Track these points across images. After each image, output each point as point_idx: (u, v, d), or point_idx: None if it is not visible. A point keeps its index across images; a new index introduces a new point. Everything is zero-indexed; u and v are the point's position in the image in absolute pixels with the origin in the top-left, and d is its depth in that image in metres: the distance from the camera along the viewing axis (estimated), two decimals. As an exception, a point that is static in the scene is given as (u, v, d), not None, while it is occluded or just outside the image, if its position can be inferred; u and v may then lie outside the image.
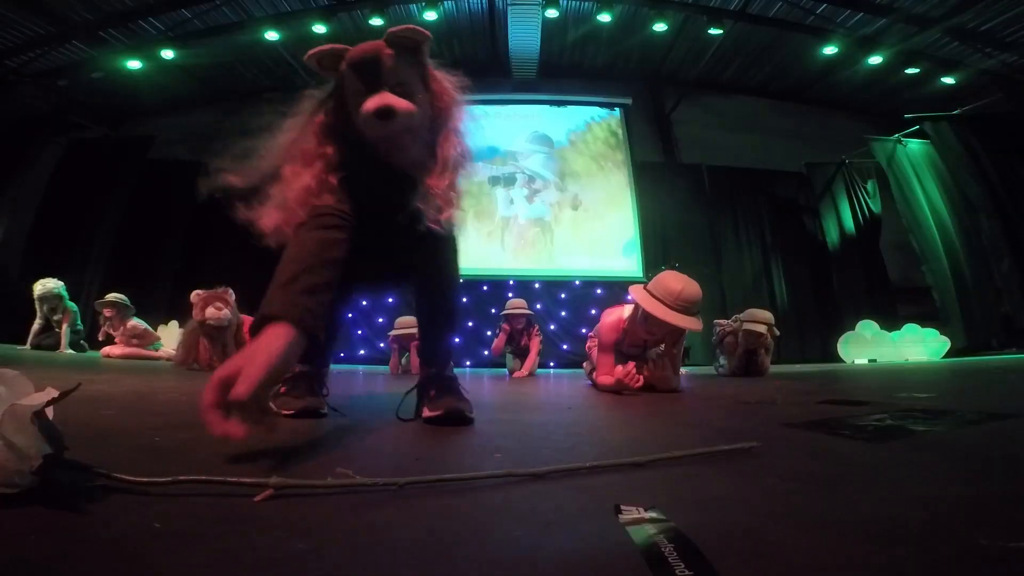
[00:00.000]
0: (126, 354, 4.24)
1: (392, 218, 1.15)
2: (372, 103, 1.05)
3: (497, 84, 7.94)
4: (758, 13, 6.66)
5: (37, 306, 4.79)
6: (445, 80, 1.19)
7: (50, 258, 6.56)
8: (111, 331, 4.43)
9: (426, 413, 1.18)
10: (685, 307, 2.04)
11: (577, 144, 7.91)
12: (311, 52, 1.12)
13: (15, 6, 5.89)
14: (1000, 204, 6.05)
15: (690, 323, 2.05)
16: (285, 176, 1.12)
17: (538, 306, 6.34)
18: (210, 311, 3.22)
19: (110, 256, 7.02)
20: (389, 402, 1.50)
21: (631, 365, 2.19)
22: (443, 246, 1.24)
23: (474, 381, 3.33)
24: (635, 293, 2.17)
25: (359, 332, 6.65)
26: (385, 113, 1.05)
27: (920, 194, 6.71)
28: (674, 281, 2.08)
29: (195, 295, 3.35)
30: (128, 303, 4.43)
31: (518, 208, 7.51)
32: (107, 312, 4.37)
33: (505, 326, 4.27)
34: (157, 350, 4.48)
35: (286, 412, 1.19)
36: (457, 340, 6.46)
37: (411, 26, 1.08)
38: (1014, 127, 6.19)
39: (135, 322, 4.41)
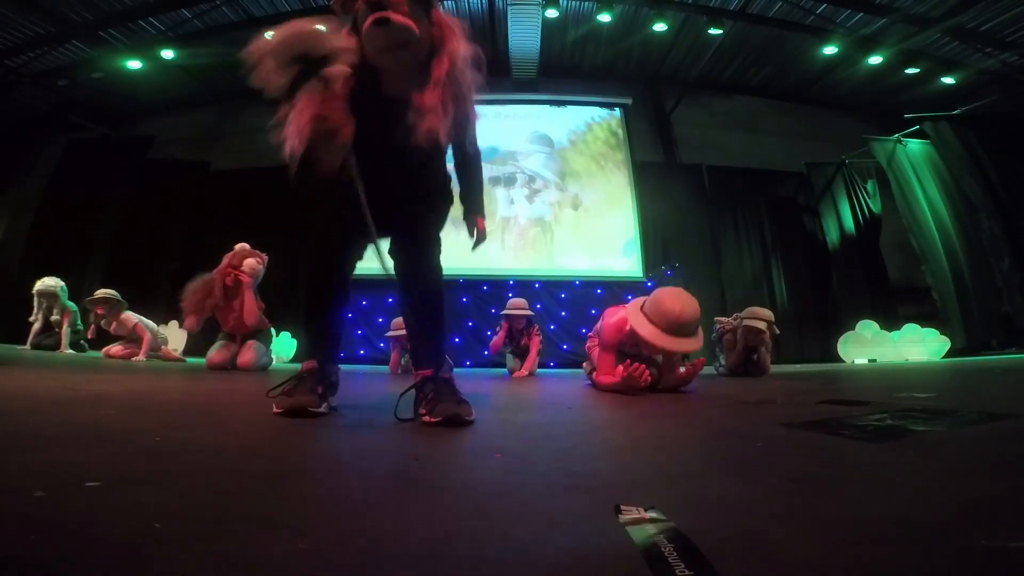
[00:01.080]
0: (127, 355, 4.23)
1: (390, 141, 1.28)
2: (374, 16, 1.19)
3: (497, 84, 7.94)
4: (758, 13, 6.65)
5: (35, 303, 4.79)
6: (446, 16, 1.35)
7: (50, 258, 6.55)
8: (106, 328, 4.42)
9: (425, 419, 1.18)
10: (680, 329, 1.96)
11: (577, 144, 7.91)
12: None
13: (15, 6, 5.89)
14: (1000, 204, 6.04)
15: (684, 346, 1.98)
16: (300, 102, 1.18)
17: (538, 306, 6.33)
18: (250, 261, 3.56)
19: (110, 256, 7.01)
20: (389, 401, 1.50)
21: (640, 366, 2.14)
22: (429, 209, 1.42)
23: (474, 381, 3.33)
24: (631, 315, 2.08)
25: (359, 332, 6.66)
26: (382, 20, 1.18)
27: (920, 194, 6.70)
28: (670, 302, 2.00)
29: (240, 246, 3.63)
30: (119, 298, 4.42)
31: (518, 208, 7.50)
32: (99, 310, 4.36)
33: (504, 324, 4.31)
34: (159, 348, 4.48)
35: (276, 410, 1.21)
36: (457, 340, 6.50)
37: None
38: (1014, 127, 6.18)
39: (127, 315, 4.41)
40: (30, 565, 0.38)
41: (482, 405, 1.72)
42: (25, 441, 0.84)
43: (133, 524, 0.47)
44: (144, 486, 0.59)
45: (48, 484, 0.57)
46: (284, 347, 6.36)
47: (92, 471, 0.63)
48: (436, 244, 1.42)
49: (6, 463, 0.69)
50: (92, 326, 4.55)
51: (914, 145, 6.86)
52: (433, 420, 1.15)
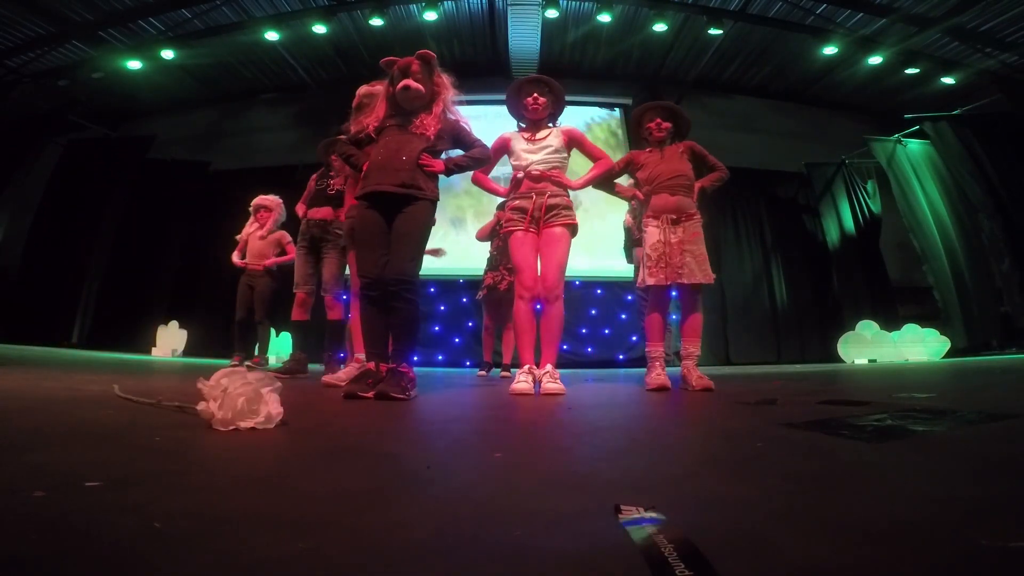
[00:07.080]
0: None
1: (405, 132, 2.09)
2: (400, 83, 2.11)
3: (497, 84, 7.92)
4: (758, 13, 6.65)
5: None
6: (442, 75, 2.20)
7: (50, 258, 6.56)
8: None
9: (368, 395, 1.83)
10: None
11: (577, 144, 7.90)
12: (384, 60, 2.20)
13: (15, 6, 5.89)
14: (1000, 204, 6.04)
15: None
16: (360, 119, 2.29)
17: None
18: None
19: (110, 256, 7.02)
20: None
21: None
22: (420, 214, 2.01)
23: (474, 381, 3.33)
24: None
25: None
26: (404, 87, 2.09)
27: (920, 194, 6.69)
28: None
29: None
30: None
31: (518, 208, 7.51)
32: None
33: (497, 214, 4.08)
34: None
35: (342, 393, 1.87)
36: (457, 340, 6.53)
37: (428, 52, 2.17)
38: (1014, 127, 6.17)
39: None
40: (30, 565, 0.38)
41: (482, 405, 1.73)
42: (25, 441, 0.85)
43: (133, 524, 0.47)
44: (144, 486, 0.59)
45: (48, 484, 0.57)
46: (284, 347, 6.36)
47: (92, 471, 0.63)
48: (419, 255, 2.01)
49: (6, 463, 0.69)
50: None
51: (914, 145, 6.85)
52: (369, 395, 1.80)
